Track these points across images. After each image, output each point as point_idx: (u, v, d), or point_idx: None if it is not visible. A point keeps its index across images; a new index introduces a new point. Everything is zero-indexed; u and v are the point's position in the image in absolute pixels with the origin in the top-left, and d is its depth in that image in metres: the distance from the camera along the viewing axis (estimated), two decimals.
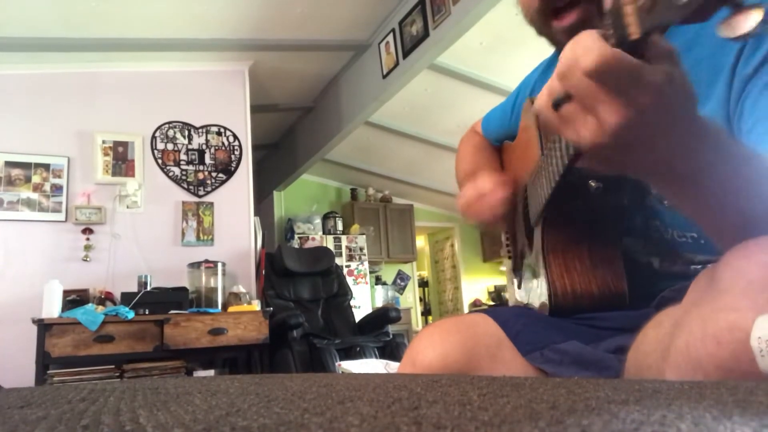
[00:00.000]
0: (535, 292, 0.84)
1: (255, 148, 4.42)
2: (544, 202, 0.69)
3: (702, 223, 0.55)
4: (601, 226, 0.73)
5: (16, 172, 3.33)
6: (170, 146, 3.75)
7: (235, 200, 3.83)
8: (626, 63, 0.41)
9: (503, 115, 1.09)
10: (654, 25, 0.38)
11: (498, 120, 1.12)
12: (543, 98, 0.49)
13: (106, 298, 3.16)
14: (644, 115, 0.42)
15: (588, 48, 0.42)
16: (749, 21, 0.35)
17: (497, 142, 1.13)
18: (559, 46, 0.75)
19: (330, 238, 6.40)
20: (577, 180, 0.64)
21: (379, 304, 6.84)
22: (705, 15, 0.35)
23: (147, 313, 3.02)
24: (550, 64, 0.99)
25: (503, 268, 7.65)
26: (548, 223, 0.75)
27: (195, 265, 3.43)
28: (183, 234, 3.62)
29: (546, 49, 0.89)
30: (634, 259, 0.74)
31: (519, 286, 1.00)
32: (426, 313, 8.48)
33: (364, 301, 6.19)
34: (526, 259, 0.91)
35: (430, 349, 0.72)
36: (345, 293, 4.53)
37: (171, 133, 3.78)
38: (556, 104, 0.47)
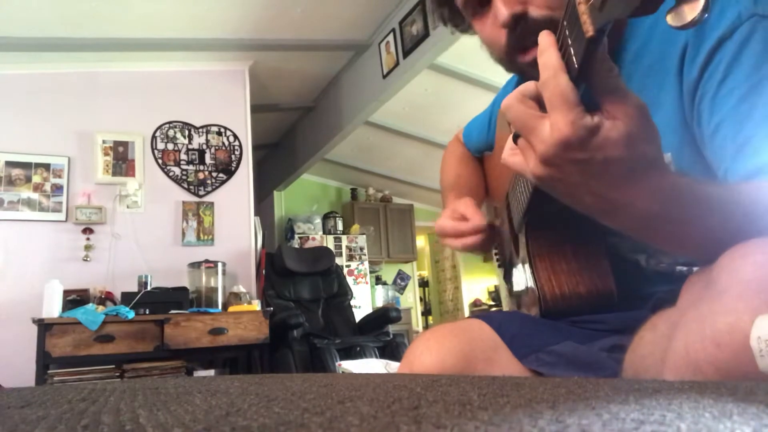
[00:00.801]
0: (525, 296, 0.85)
1: (255, 148, 4.42)
2: (524, 207, 0.69)
3: (674, 253, 0.58)
4: (583, 226, 0.73)
5: (16, 172, 3.33)
6: (170, 146, 3.75)
7: (235, 200, 3.83)
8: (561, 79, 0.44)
9: (481, 128, 1.11)
10: (607, 20, 0.39)
11: (477, 132, 1.14)
12: (508, 144, 0.53)
13: (106, 298, 3.16)
14: (566, 150, 0.45)
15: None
16: (694, 9, 0.36)
17: (478, 153, 1.16)
18: (527, 76, 0.75)
19: (330, 238, 6.40)
20: None
21: (380, 304, 6.84)
22: (653, 6, 0.36)
23: (147, 313, 3.02)
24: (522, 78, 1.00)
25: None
26: (531, 228, 0.76)
27: (195, 265, 3.43)
28: (183, 234, 3.63)
29: None
30: (620, 256, 0.74)
31: (510, 293, 1.00)
32: (426, 313, 8.48)
33: (364, 301, 6.19)
34: (514, 264, 0.91)
35: (426, 354, 0.72)
36: (345, 293, 4.53)
37: (171, 133, 3.78)
38: (515, 138, 0.51)
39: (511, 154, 0.53)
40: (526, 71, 0.73)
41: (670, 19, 0.37)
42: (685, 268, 0.70)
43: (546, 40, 0.47)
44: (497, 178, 1.00)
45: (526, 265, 0.78)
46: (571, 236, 0.74)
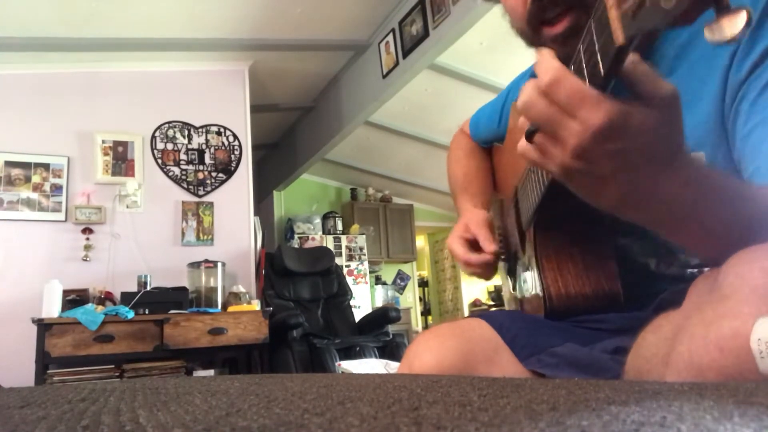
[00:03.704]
0: (529, 294, 0.84)
1: (255, 148, 4.42)
2: (535, 206, 0.69)
3: (688, 249, 0.56)
4: (593, 227, 0.73)
5: (16, 172, 3.33)
6: (170, 146, 3.75)
7: (235, 200, 3.83)
8: (570, 82, 0.43)
9: (491, 119, 1.09)
10: (639, 30, 0.37)
11: (486, 123, 1.11)
12: (522, 138, 0.51)
13: (106, 298, 3.16)
14: (601, 142, 0.43)
15: (545, 69, 0.45)
16: (735, 24, 0.34)
17: (486, 144, 1.14)
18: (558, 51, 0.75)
19: (330, 238, 6.40)
20: None
21: (379, 304, 6.84)
22: (690, 18, 0.34)
23: (147, 312, 3.02)
24: None
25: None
26: (540, 226, 0.75)
27: (195, 265, 3.43)
28: (183, 234, 3.62)
29: None
30: (630, 259, 0.73)
31: (513, 288, 1.00)
32: (426, 313, 8.48)
33: (364, 301, 6.19)
34: (519, 261, 0.91)
35: (426, 353, 0.72)
36: (345, 293, 4.53)
37: (171, 132, 3.78)
38: (529, 135, 0.48)
39: (529, 149, 0.51)
40: (549, 46, 0.71)
41: (707, 34, 0.35)
42: (695, 270, 0.69)
43: (545, 52, 0.47)
44: (506, 170, 0.99)
45: (533, 264, 0.78)
46: (580, 237, 0.74)
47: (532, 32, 0.71)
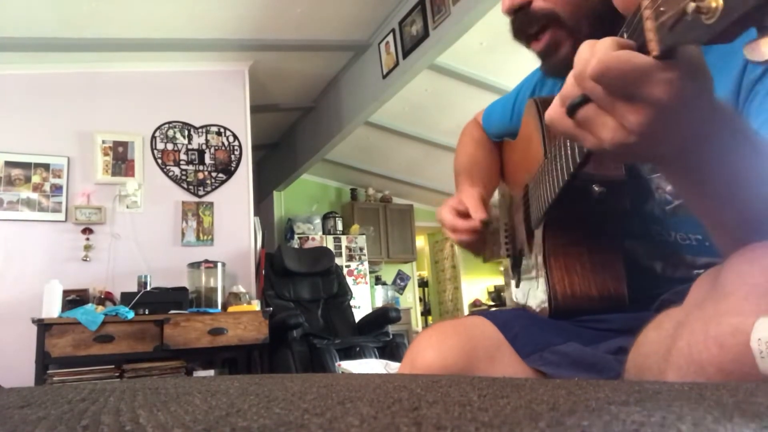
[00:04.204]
0: (534, 292, 0.84)
1: (255, 148, 4.42)
2: (547, 205, 0.69)
3: (708, 219, 0.54)
4: (602, 229, 0.74)
5: (16, 172, 3.33)
6: (170, 146, 3.75)
7: (235, 200, 3.83)
8: (633, 64, 0.40)
9: (503, 114, 1.09)
10: (676, 43, 0.36)
11: (498, 118, 1.11)
12: (555, 107, 0.48)
13: (106, 298, 3.16)
14: (664, 110, 0.41)
15: (595, 52, 0.42)
16: None
17: (497, 138, 1.14)
18: (543, 64, 0.79)
19: (330, 238, 6.40)
20: (580, 184, 0.64)
21: (379, 304, 6.84)
22: (731, 37, 0.33)
23: (147, 313, 3.02)
24: None
25: (502, 269, 7.64)
26: (550, 226, 0.75)
27: (195, 265, 3.43)
28: (183, 234, 3.63)
29: None
30: (636, 262, 0.74)
31: (517, 285, 1.00)
32: (426, 313, 8.48)
33: (364, 301, 6.19)
34: (525, 259, 0.91)
35: (428, 351, 0.72)
36: (345, 293, 4.53)
37: (171, 133, 3.78)
38: (572, 109, 0.45)
39: (564, 119, 0.47)
40: (541, 58, 0.75)
41: (747, 52, 0.34)
42: (702, 271, 0.69)
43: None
44: (516, 166, 0.99)
45: (539, 262, 0.78)
46: (588, 238, 0.74)
47: (520, 42, 0.75)
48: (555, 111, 0.48)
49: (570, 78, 0.46)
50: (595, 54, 0.42)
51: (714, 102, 0.44)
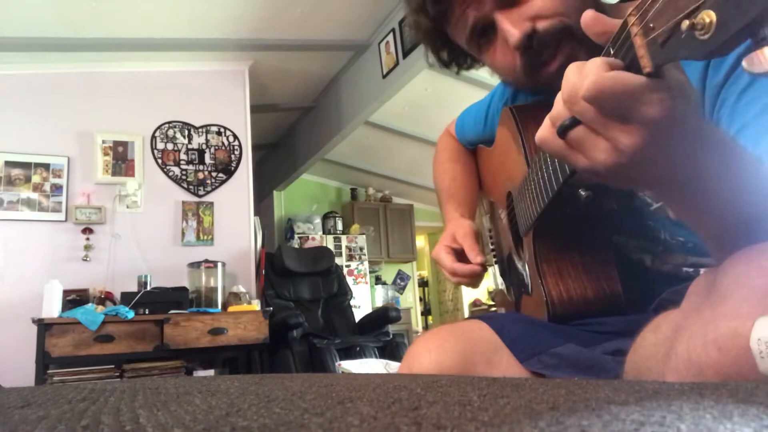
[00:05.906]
0: (527, 297, 0.85)
1: (255, 147, 4.42)
2: (536, 214, 0.68)
3: (702, 231, 0.54)
4: (592, 232, 0.74)
5: (16, 172, 3.33)
6: (170, 146, 3.75)
7: (235, 200, 3.83)
8: (626, 84, 0.40)
9: (477, 121, 1.10)
10: (669, 59, 0.36)
11: (471, 126, 1.12)
12: (546, 128, 0.48)
13: (106, 298, 3.16)
14: (657, 129, 0.41)
15: (587, 74, 0.41)
16: None
17: (471, 146, 1.15)
18: (548, 91, 0.73)
19: (330, 238, 6.40)
20: (567, 190, 0.64)
21: (379, 304, 6.84)
22: (726, 51, 0.33)
23: (147, 312, 3.02)
24: None
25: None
26: (539, 232, 0.75)
27: (195, 265, 3.43)
28: (183, 234, 3.63)
29: None
30: (626, 256, 0.74)
31: (507, 292, 1.00)
32: (426, 312, 8.48)
33: (364, 301, 6.19)
34: (515, 266, 0.91)
35: (426, 355, 0.72)
36: (345, 293, 4.53)
37: (171, 132, 3.78)
38: (563, 131, 0.45)
39: (554, 141, 0.47)
40: (551, 83, 0.69)
41: (745, 65, 0.34)
42: (691, 270, 0.70)
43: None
44: (495, 173, 1.00)
45: (531, 269, 0.78)
46: (580, 241, 0.74)
47: (529, 79, 0.72)
48: (546, 132, 0.48)
49: (559, 100, 0.45)
50: (586, 76, 0.41)
51: (701, 117, 0.44)
